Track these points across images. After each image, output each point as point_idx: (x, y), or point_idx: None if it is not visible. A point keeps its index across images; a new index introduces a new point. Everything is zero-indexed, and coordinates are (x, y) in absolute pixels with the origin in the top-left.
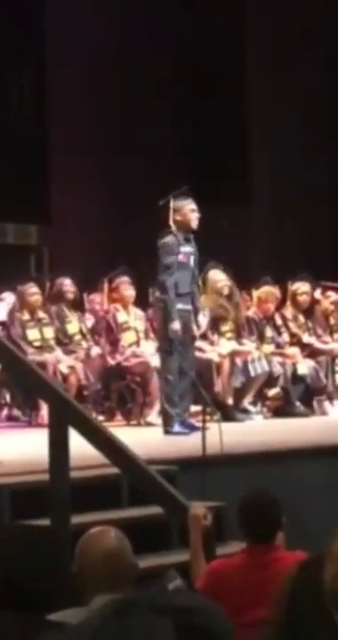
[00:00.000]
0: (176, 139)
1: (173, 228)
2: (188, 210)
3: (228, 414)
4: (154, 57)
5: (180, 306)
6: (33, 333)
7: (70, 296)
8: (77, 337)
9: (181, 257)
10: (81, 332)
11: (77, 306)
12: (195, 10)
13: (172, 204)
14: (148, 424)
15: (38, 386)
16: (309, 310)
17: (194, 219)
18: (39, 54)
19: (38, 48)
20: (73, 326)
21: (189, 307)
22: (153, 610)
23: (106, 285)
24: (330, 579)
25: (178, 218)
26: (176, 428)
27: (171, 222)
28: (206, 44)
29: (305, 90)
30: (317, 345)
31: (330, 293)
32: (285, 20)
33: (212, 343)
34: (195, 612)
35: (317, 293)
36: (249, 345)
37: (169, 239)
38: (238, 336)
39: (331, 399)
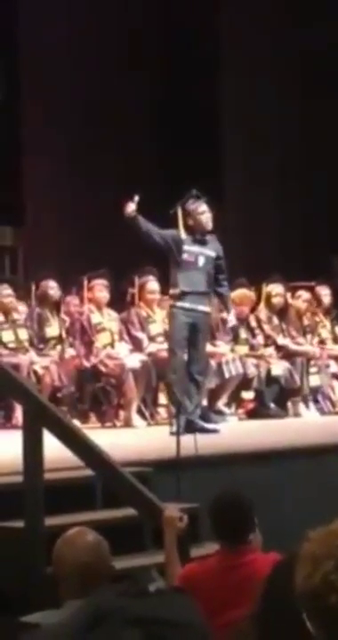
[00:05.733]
0: (149, 138)
1: (184, 234)
2: (198, 213)
3: (202, 416)
4: (127, 57)
5: (187, 305)
6: (7, 335)
7: (55, 299)
8: (53, 341)
9: (185, 256)
10: (60, 336)
11: (59, 307)
12: (169, 14)
13: (180, 211)
14: (131, 426)
15: (12, 388)
16: (282, 312)
17: (206, 220)
18: (12, 55)
19: (11, 48)
20: (53, 330)
21: (203, 308)
22: (126, 621)
23: (85, 283)
24: (300, 580)
25: (190, 222)
26: (183, 426)
27: (181, 228)
28: (180, 43)
29: (280, 90)
30: (292, 347)
31: (300, 293)
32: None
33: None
34: (169, 623)
35: (288, 297)
36: (223, 347)
37: (176, 230)
38: (212, 338)
39: (305, 401)
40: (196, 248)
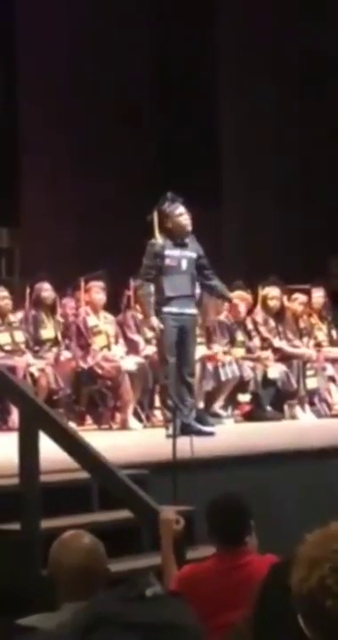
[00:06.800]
0: (149, 139)
1: (161, 237)
2: (176, 215)
3: (198, 418)
4: (124, 60)
5: (174, 309)
6: (3, 337)
7: (49, 301)
8: (49, 343)
9: (168, 261)
10: (56, 338)
11: (54, 310)
12: (169, 14)
13: (156, 215)
14: (127, 429)
15: (8, 390)
16: (279, 314)
17: (185, 221)
18: (9, 53)
19: (9, 45)
20: (48, 332)
21: (190, 310)
22: (122, 625)
23: (82, 284)
24: (296, 583)
25: (169, 226)
26: (179, 429)
27: (157, 234)
28: (177, 43)
29: (280, 90)
30: (288, 349)
31: (297, 295)
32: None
33: None
34: (165, 628)
35: (285, 300)
36: (220, 349)
37: (150, 244)
38: (209, 341)
39: (302, 403)
40: (177, 252)
